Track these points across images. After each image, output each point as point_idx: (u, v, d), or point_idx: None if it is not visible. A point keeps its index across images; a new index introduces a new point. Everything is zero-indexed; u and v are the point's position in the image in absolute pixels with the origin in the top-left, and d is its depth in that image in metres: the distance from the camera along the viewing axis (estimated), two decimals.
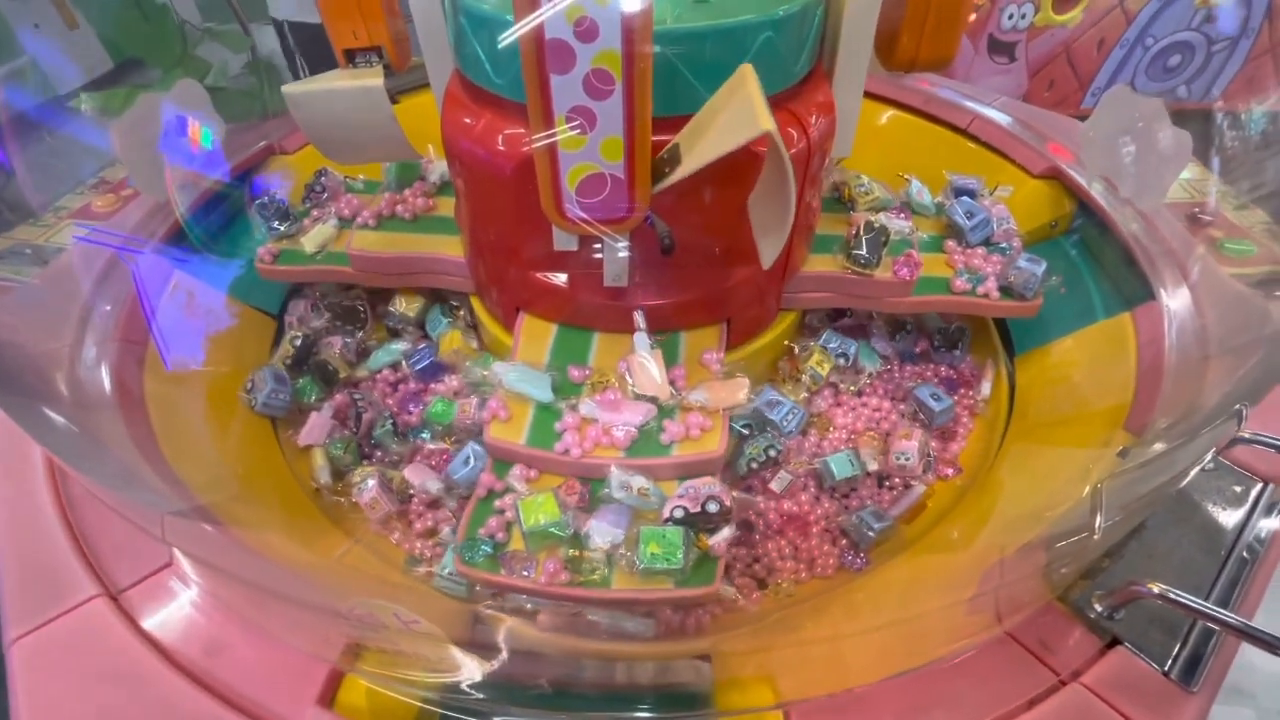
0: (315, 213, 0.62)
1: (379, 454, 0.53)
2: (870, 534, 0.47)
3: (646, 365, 0.44)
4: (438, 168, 0.61)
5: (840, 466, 0.49)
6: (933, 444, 0.54)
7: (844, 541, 0.49)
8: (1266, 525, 0.38)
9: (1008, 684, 0.32)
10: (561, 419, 0.43)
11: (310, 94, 0.49)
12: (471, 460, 0.47)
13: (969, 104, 0.76)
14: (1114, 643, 0.34)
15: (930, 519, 0.50)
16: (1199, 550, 0.37)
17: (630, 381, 0.45)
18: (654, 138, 0.35)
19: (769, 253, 0.43)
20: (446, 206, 0.59)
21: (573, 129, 0.32)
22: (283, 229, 0.61)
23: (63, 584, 0.35)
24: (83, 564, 0.36)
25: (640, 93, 0.32)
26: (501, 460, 0.44)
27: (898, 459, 0.51)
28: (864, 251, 0.53)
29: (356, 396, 0.55)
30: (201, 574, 0.34)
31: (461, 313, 0.60)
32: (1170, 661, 0.33)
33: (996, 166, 0.70)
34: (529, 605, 0.39)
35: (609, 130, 0.33)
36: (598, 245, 0.43)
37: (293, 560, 0.37)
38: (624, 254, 0.41)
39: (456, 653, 0.30)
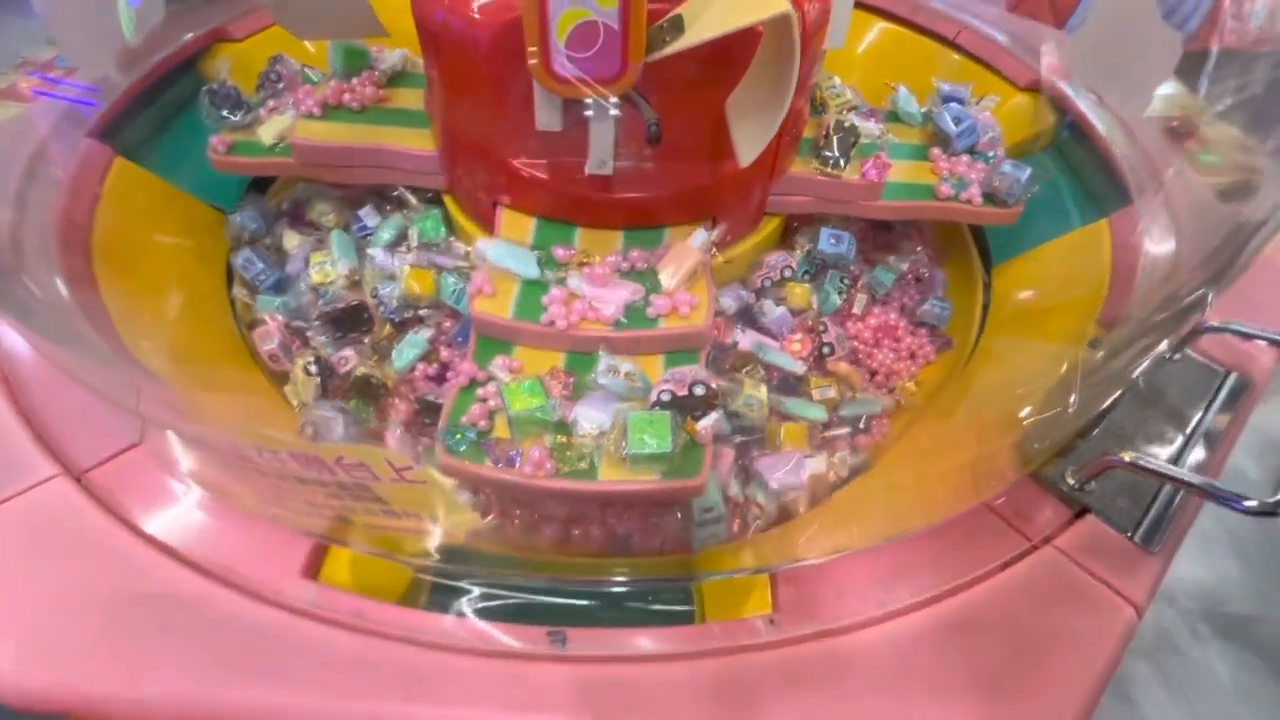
0: (271, 103, 0.57)
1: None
2: (946, 312, 0.58)
3: (683, 258, 0.42)
4: (388, 57, 0.57)
5: (886, 276, 0.58)
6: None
7: (923, 331, 0.58)
8: (1227, 409, 0.40)
9: (983, 549, 0.34)
10: (548, 292, 0.42)
11: None
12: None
13: (958, 14, 0.74)
14: (1083, 512, 0.35)
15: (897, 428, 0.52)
16: (1165, 433, 0.39)
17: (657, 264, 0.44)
18: (650, 4, 0.33)
19: (749, 150, 0.42)
20: (399, 98, 0.55)
21: None
22: (236, 118, 0.56)
23: (17, 465, 0.33)
24: (38, 445, 0.34)
25: None
26: (487, 340, 0.42)
27: (915, 257, 0.61)
28: (833, 152, 0.52)
29: (428, 399, 0.48)
30: (179, 448, 0.33)
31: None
32: (1135, 527, 0.35)
33: (982, 78, 0.69)
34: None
35: None
36: (584, 125, 0.40)
37: (276, 426, 0.35)
38: (614, 114, 0.38)
39: (450, 503, 0.29)
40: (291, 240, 0.55)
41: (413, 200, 0.54)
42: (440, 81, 0.47)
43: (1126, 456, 0.33)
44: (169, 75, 0.60)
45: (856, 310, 0.57)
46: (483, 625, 0.30)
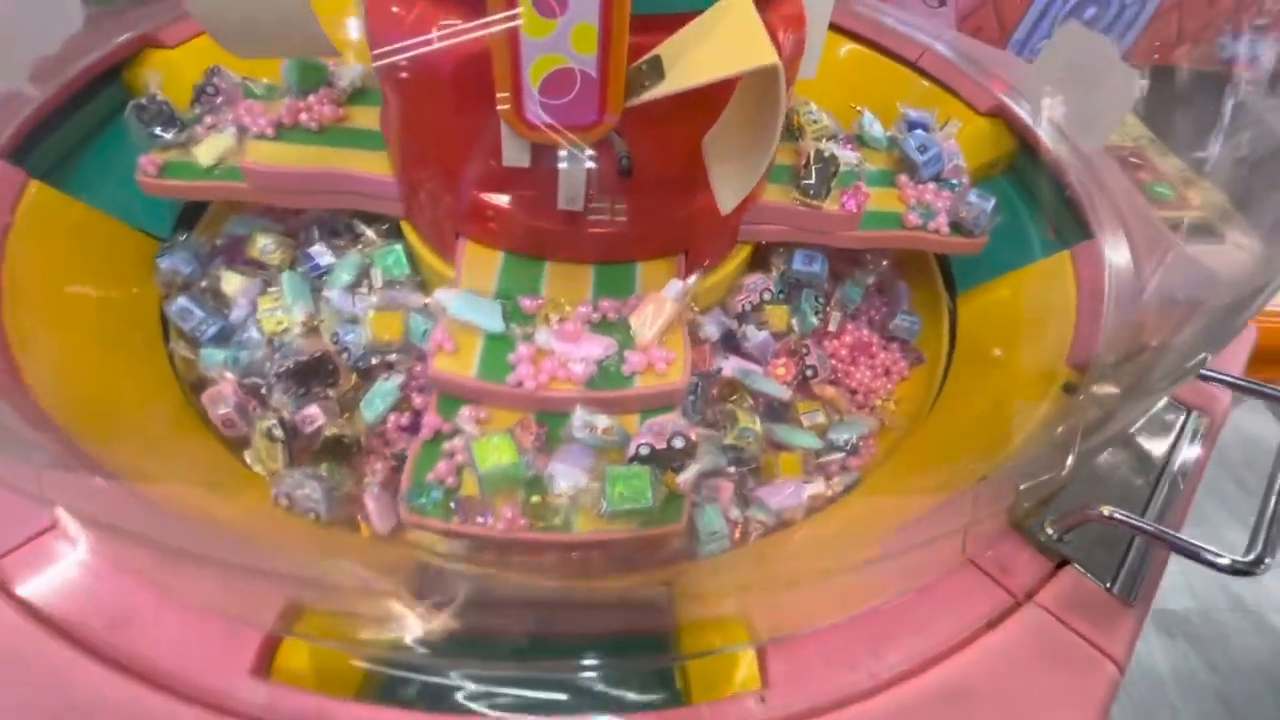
0: (209, 120, 0.53)
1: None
2: (915, 326, 0.59)
3: (658, 309, 0.41)
4: (347, 72, 0.53)
5: (855, 291, 0.59)
6: None
7: (895, 345, 0.59)
8: (1192, 449, 0.41)
9: (969, 606, 0.33)
10: (515, 349, 0.40)
11: None
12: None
13: (920, 36, 0.74)
14: (1063, 563, 0.36)
15: (883, 448, 0.52)
16: (1135, 474, 0.40)
17: (631, 315, 0.42)
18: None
19: (730, 197, 0.41)
20: (359, 117, 0.51)
21: (540, 11, 0.28)
22: (169, 136, 0.51)
23: None
24: None
25: None
26: (449, 396, 0.40)
27: (879, 270, 0.61)
28: (813, 182, 0.52)
29: (407, 454, 0.42)
30: (100, 537, 0.29)
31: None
32: (1112, 578, 0.35)
33: (944, 102, 0.70)
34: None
35: (582, 14, 0.28)
36: (554, 160, 0.38)
37: (210, 515, 0.32)
38: (589, 165, 0.36)
39: (415, 608, 0.27)
40: (232, 283, 0.50)
41: (368, 232, 0.51)
42: (398, 110, 0.44)
43: (1105, 511, 0.33)
44: (92, 86, 0.55)
45: (831, 328, 0.58)
46: None
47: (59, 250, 0.47)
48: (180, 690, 0.26)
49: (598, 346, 0.39)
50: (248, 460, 0.42)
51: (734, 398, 0.51)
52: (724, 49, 0.29)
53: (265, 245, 0.51)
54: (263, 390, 0.44)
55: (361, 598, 0.26)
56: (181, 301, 0.48)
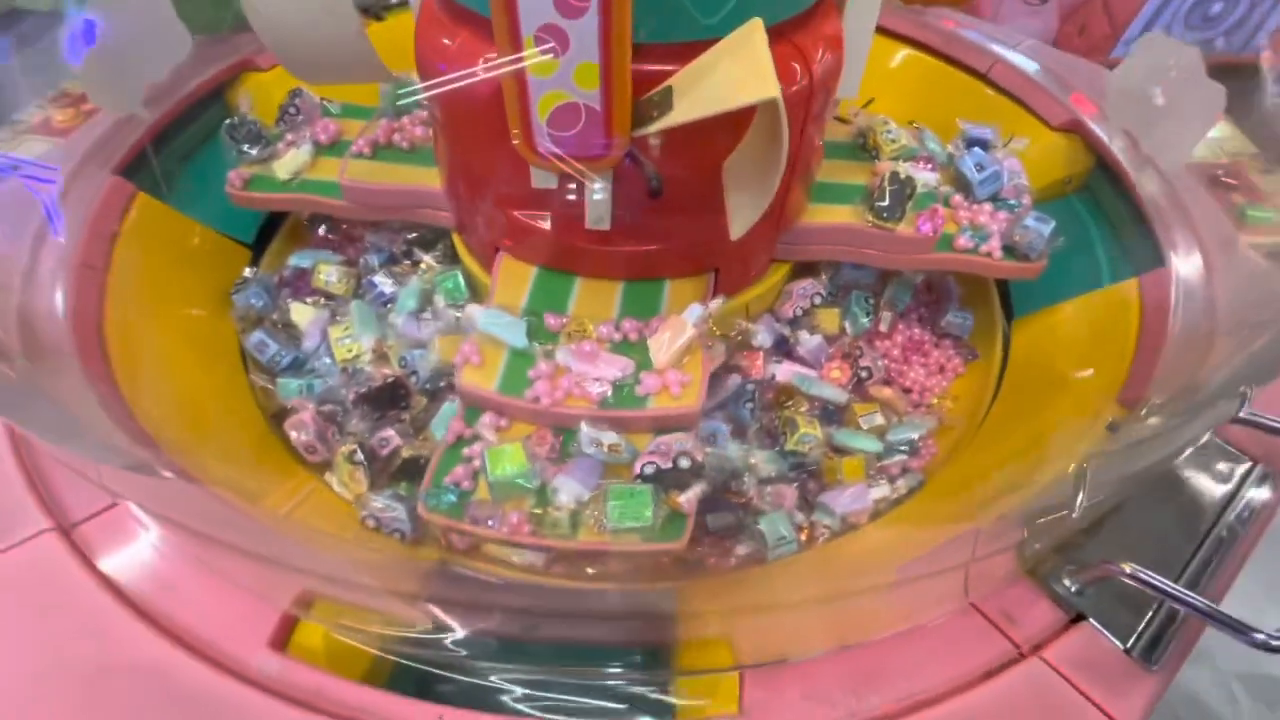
0: (289, 136, 0.58)
1: None
2: (968, 323, 0.58)
3: (676, 333, 0.41)
4: None
5: (904, 291, 0.59)
6: None
7: (948, 342, 0.59)
8: (1250, 506, 0.37)
9: (965, 654, 0.32)
10: (535, 365, 0.41)
11: None
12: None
13: (993, 47, 0.71)
14: (1079, 618, 0.33)
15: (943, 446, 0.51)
16: (1177, 529, 0.37)
17: (650, 337, 0.43)
18: (639, 66, 0.32)
19: (740, 222, 0.41)
20: None
21: (543, 51, 0.29)
22: (254, 152, 0.57)
23: (14, 517, 0.34)
24: (34, 497, 0.35)
25: (619, 10, 0.28)
26: (473, 406, 0.42)
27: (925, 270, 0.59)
28: (886, 203, 0.50)
29: None
30: (150, 518, 0.33)
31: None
32: (1134, 639, 0.33)
33: (1015, 116, 0.66)
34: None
35: (583, 54, 0.30)
36: (578, 185, 0.40)
37: (247, 509, 0.36)
38: (601, 196, 0.38)
39: (421, 610, 0.29)
40: (302, 314, 0.53)
41: (426, 258, 0.54)
42: (443, 130, 0.47)
43: (1128, 568, 0.31)
44: (197, 106, 0.62)
45: (883, 328, 0.57)
46: (452, 713, 0.30)
47: (159, 259, 0.54)
48: (206, 654, 0.30)
49: (614, 367, 0.40)
50: (331, 484, 0.44)
51: (789, 403, 0.51)
52: (728, 82, 0.30)
53: (329, 276, 0.55)
54: (339, 416, 0.47)
55: (373, 596, 0.29)
56: (258, 335, 0.51)
